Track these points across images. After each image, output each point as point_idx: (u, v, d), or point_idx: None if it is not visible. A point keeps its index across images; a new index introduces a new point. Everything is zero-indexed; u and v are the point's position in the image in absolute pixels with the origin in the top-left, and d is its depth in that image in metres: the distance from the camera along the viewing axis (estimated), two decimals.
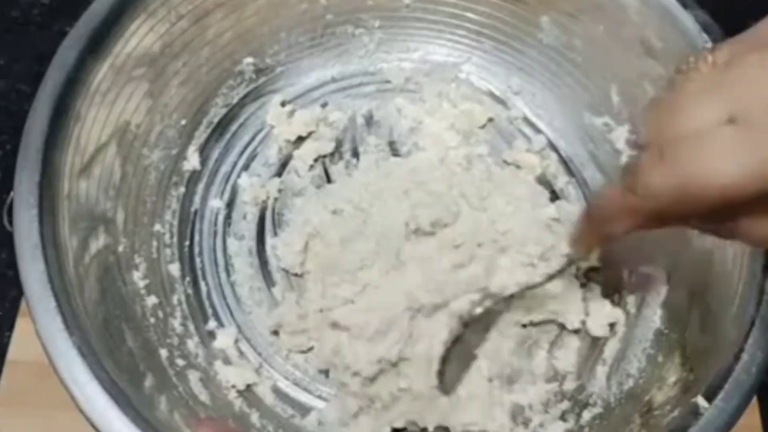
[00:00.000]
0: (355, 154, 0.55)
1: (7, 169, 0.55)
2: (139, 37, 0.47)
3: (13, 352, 0.50)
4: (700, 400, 0.36)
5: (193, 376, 0.45)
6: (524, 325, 0.48)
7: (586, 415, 0.44)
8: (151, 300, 0.46)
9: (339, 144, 0.55)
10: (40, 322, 0.37)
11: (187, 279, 0.49)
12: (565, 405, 0.46)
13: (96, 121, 0.44)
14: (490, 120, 0.56)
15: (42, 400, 0.46)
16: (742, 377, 0.37)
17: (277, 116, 0.55)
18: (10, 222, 0.50)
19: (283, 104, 0.56)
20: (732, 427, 0.36)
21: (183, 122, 0.52)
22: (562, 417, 0.45)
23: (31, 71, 0.61)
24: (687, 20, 0.46)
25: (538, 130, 0.56)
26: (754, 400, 0.50)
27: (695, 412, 0.36)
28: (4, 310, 0.53)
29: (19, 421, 0.46)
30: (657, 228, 0.32)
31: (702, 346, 0.41)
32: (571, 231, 0.39)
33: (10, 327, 0.51)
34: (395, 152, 0.55)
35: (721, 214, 0.28)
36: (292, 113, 0.55)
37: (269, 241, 0.52)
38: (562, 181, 0.54)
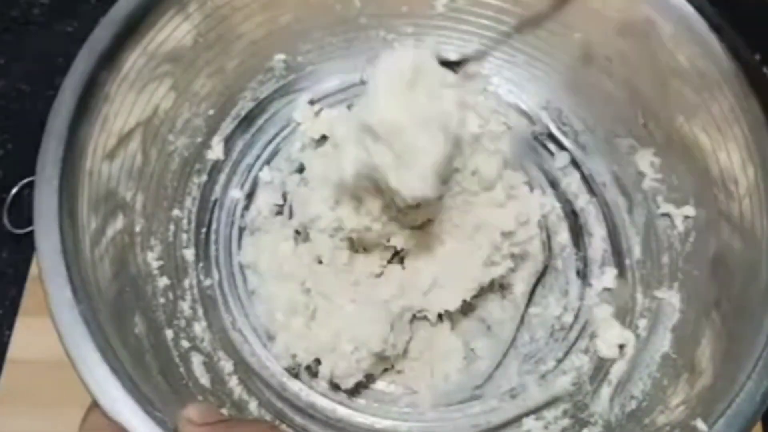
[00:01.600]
0: None
1: (7, 170, 0.57)
2: (173, 26, 0.48)
3: (13, 351, 0.50)
4: (699, 424, 0.36)
5: (197, 360, 0.45)
6: None
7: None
8: (163, 281, 0.47)
9: None
10: (51, 292, 0.38)
11: (201, 265, 0.50)
12: (566, 422, 0.45)
13: (124, 104, 0.45)
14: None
15: (42, 398, 0.47)
16: (745, 404, 0.36)
17: (304, 114, 0.56)
18: (10, 221, 0.52)
19: (311, 102, 0.56)
20: None
21: (210, 112, 0.52)
22: None
23: (31, 71, 0.61)
24: (717, 45, 0.45)
25: (562, 147, 0.56)
26: None
27: None
28: (4, 308, 0.54)
29: (19, 419, 0.47)
30: None
31: (709, 371, 0.40)
32: None
33: (10, 326, 0.52)
34: None
35: None
36: (318, 112, 0.56)
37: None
38: (583, 200, 0.54)
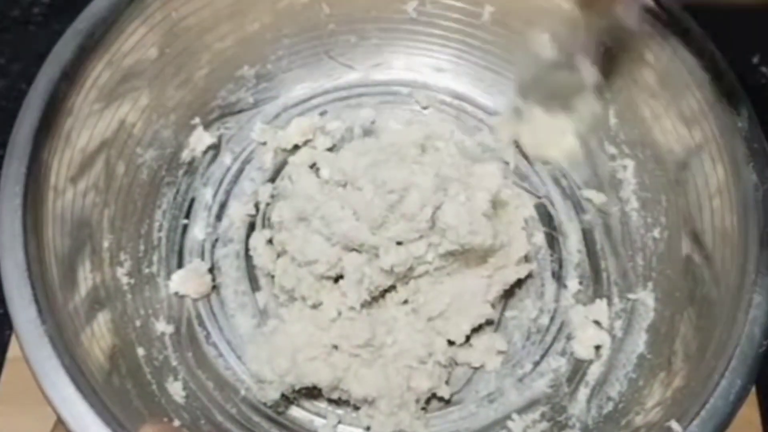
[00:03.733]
0: None
1: None
2: (137, 37, 0.47)
3: (13, 350, 0.50)
4: (674, 425, 0.36)
5: (170, 377, 0.44)
6: None
7: None
8: (134, 297, 0.46)
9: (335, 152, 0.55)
10: (15, 311, 0.37)
11: (172, 279, 0.49)
12: (545, 426, 0.45)
13: (89, 118, 0.45)
14: None
15: (42, 398, 0.46)
16: (719, 404, 0.36)
17: (262, 134, 0.55)
18: None
19: (267, 123, 0.55)
20: None
21: (179, 123, 0.52)
22: None
23: (31, 70, 0.59)
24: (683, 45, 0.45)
25: None
26: (753, 396, 0.49)
27: None
28: (4, 308, 0.53)
29: (20, 418, 0.46)
30: None
31: (684, 371, 0.40)
32: None
33: (11, 325, 0.50)
34: None
35: None
36: (287, 123, 0.55)
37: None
38: (557, 201, 0.54)
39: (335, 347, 0.45)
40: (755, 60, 0.55)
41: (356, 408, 0.46)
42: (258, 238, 0.51)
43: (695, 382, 0.38)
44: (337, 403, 0.47)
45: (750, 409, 0.49)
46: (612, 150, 0.52)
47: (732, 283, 0.40)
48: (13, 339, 0.50)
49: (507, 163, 0.54)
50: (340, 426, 0.46)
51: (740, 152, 0.42)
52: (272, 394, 0.45)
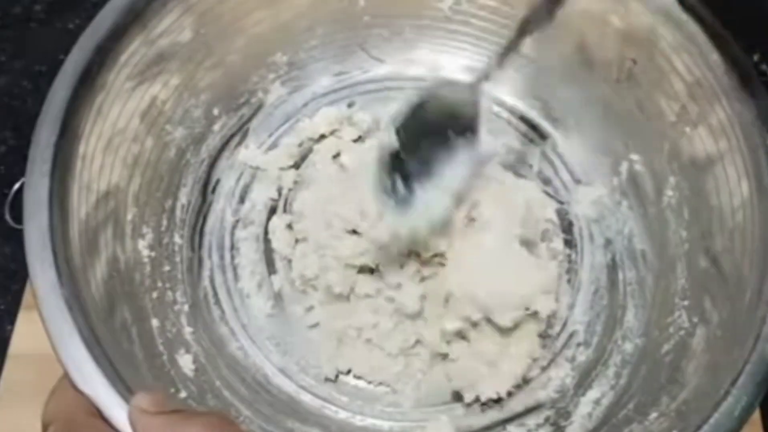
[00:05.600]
0: None
1: (9, 165, 0.57)
2: (173, 17, 0.48)
3: (15, 346, 0.50)
4: None
5: (181, 350, 0.45)
6: None
7: None
8: (153, 270, 0.47)
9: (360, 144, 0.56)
10: (35, 275, 0.38)
11: (192, 256, 0.50)
12: (548, 430, 0.45)
13: (122, 93, 0.46)
14: None
15: (44, 394, 0.46)
16: (723, 420, 0.35)
17: (251, 156, 0.55)
18: (12, 217, 0.52)
19: (265, 141, 0.56)
20: None
21: (210, 103, 0.53)
22: None
23: (32, 68, 0.61)
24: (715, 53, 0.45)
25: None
26: None
27: None
28: (6, 303, 0.54)
29: (21, 415, 0.44)
30: None
31: (692, 384, 0.39)
32: None
33: (12, 321, 0.52)
34: None
35: None
36: (315, 112, 0.56)
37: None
38: (576, 207, 0.53)
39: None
40: (755, 59, 0.54)
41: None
42: (277, 223, 0.51)
43: (701, 396, 0.38)
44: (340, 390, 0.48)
45: None
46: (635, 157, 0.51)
47: (747, 298, 0.39)
48: (14, 335, 0.51)
49: (531, 166, 0.54)
50: (359, 416, 0.47)
51: (765, 167, 0.41)
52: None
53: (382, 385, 0.48)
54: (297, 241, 0.51)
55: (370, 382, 0.48)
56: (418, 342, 0.47)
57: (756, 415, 0.48)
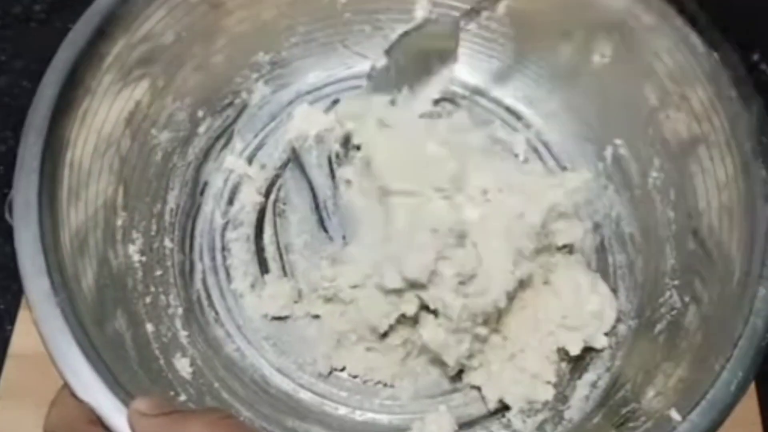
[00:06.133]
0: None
1: (9, 165, 0.56)
2: (155, 20, 0.48)
3: (15, 346, 0.50)
4: (673, 413, 0.36)
5: (178, 353, 0.45)
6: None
7: (565, 425, 0.44)
8: (144, 275, 0.47)
9: (346, 141, 0.55)
10: (28, 284, 0.38)
11: (183, 259, 0.50)
12: (546, 414, 0.45)
13: (106, 97, 0.45)
14: None
15: (45, 393, 0.45)
16: (720, 394, 0.36)
17: (234, 160, 0.54)
18: (12, 216, 0.52)
19: (241, 154, 0.55)
20: None
21: (194, 106, 0.53)
22: (541, 427, 0.44)
23: (32, 68, 0.61)
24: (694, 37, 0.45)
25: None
26: (754, 396, 0.50)
27: (668, 425, 0.36)
28: (6, 303, 0.54)
29: (22, 414, 0.46)
30: None
31: (687, 362, 0.40)
32: None
33: (12, 320, 0.51)
34: None
35: None
36: (251, 158, 0.55)
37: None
38: None
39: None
40: (755, 58, 0.55)
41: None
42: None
43: (697, 372, 0.38)
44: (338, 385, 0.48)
45: (750, 410, 0.49)
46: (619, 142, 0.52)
47: (737, 276, 0.40)
48: (14, 335, 0.50)
49: (516, 155, 0.54)
50: (359, 411, 0.47)
51: (749, 147, 0.42)
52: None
53: (379, 384, 0.48)
54: None
55: (365, 382, 0.48)
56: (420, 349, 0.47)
57: (756, 417, 0.49)
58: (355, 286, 0.47)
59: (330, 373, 0.48)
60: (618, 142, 0.52)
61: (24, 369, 0.49)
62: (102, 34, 0.45)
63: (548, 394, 0.45)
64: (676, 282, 0.45)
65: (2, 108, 0.61)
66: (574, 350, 0.45)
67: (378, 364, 0.48)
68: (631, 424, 0.39)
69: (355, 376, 0.48)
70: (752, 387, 0.50)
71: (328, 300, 0.48)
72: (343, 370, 0.48)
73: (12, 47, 0.62)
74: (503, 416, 0.46)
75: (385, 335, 0.47)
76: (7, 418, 0.47)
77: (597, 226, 0.52)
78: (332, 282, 0.47)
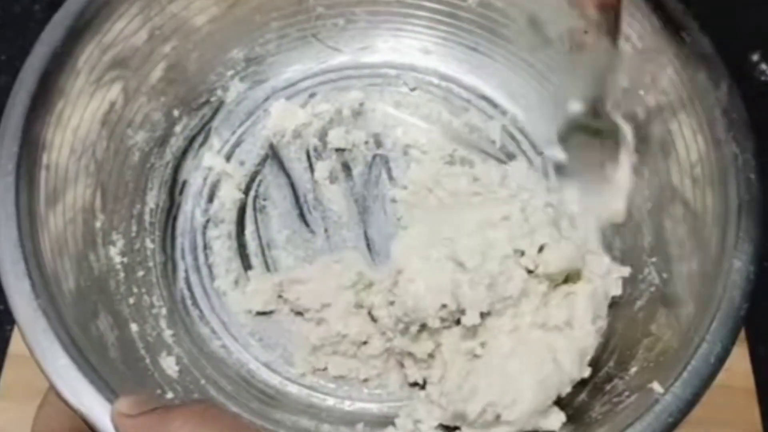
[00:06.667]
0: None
1: None
2: (127, 19, 0.48)
3: (15, 346, 0.50)
4: (656, 386, 0.37)
5: (163, 352, 0.45)
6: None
7: None
8: (126, 276, 0.47)
9: (324, 135, 0.56)
10: (9, 286, 0.38)
11: (165, 259, 0.50)
12: None
13: (81, 98, 0.45)
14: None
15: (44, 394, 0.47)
16: (700, 365, 0.37)
17: (212, 158, 0.54)
18: None
19: (219, 152, 0.55)
20: (687, 414, 0.36)
21: (169, 105, 0.52)
22: None
23: None
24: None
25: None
26: (753, 396, 0.51)
27: (651, 398, 0.36)
28: (5, 304, 0.53)
29: (21, 414, 0.45)
30: None
31: (667, 336, 0.41)
32: None
33: (12, 321, 0.50)
34: (379, 145, 0.56)
35: None
36: (229, 157, 0.55)
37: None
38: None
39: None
40: (755, 57, 0.55)
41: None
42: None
43: (678, 346, 0.39)
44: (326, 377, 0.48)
45: (750, 410, 0.51)
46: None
47: (713, 249, 0.41)
48: (14, 335, 0.50)
49: (494, 142, 0.55)
50: (347, 401, 0.47)
51: (720, 123, 0.42)
52: None
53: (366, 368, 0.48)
54: None
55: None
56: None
57: (756, 417, 0.51)
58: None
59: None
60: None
61: (24, 369, 0.48)
62: (73, 35, 0.44)
63: None
64: (653, 259, 0.46)
65: (2, 108, 0.60)
66: None
67: (360, 365, 0.48)
68: (615, 399, 0.39)
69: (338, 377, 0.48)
70: (752, 387, 0.52)
71: (297, 314, 0.49)
72: (324, 369, 0.48)
73: (11, 47, 0.62)
74: None
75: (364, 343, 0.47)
76: (7, 418, 0.47)
77: None
78: (297, 300, 0.48)
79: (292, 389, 0.48)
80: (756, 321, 0.52)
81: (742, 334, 0.53)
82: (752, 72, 0.59)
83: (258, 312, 0.49)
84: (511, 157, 0.55)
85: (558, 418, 0.41)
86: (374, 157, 0.55)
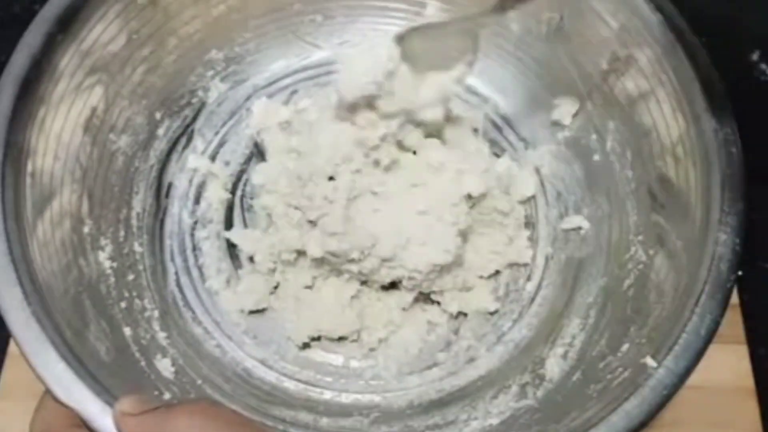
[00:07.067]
0: None
1: None
2: (105, 23, 0.47)
3: (14, 346, 0.48)
4: (649, 360, 0.37)
5: (158, 354, 0.45)
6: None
7: (546, 386, 0.44)
8: (117, 281, 0.47)
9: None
10: (2, 298, 0.37)
11: (155, 262, 0.50)
12: (527, 378, 0.46)
13: (61, 105, 0.45)
14: None
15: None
16: (691, 338, 0.37)
17: (197, 159, 0.54)
18: None
19: (204, 153, 0.55)
20: (680, 387, 0.36)
21: (151, 108, 0.52)
22: (522, 391, 0.45)
23: None
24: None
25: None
26: (754, 396, 0.51)
27: (644, 373, 0.37)
28: None
29: (21, 414, 0.44)
30: None
31: (657, 311, 0.41)
32: None
33: None
34: None
35: None
36: (214, 156, 0.55)
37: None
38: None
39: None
40: (755, 57, 0.56)
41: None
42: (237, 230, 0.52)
43: (668, 320, 0.39)
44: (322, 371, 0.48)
45: (750, 410, 0.51)
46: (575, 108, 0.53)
47: (698, 224, 0.41)
48: None
49: (476, 129, 0.55)
50: (344, 394, 0.48)
51: (698, 99, 0.43)
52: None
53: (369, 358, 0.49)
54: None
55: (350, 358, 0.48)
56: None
57: (756, 417, 0.51)
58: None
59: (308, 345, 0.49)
60: (574, 109, 0.53)
61: (24, 369, 0.47)
62: (51, 41, 0.44)
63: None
64: (640, 237, 0.46)
65: None
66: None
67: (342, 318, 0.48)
68: (609, 376, 0.40)
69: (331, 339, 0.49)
70: (752, 387, 0.52)
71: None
72: (319, 339, 0.49)
73: (12, 47, 0.61)
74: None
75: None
76: (7, 418, 0.47)
77: (559, 195, 0.53)
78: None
79: (289, 385, 0.48)
80: (756, 321, 0.54)
81: (743, 334, 0.54)
82: (752, 72, 0.59)
83: (251, 311, 0.49)
84: (494, 143, 0.55)
85: None
86: None
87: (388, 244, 0.45)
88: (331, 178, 0.46)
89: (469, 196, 0.46)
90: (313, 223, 0.46)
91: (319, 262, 0.47)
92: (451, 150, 0.48)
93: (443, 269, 0.46)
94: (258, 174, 0.53)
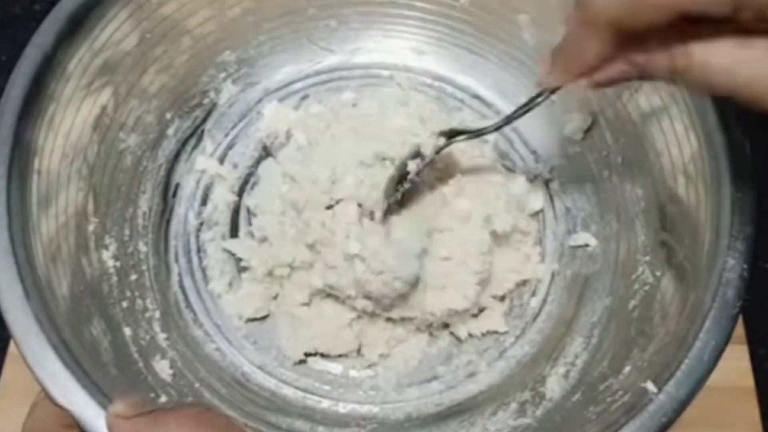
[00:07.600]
0: None
1: None
2: (117, 23, 0.47)
3: (14, 346, 0.49)
4: (649, 386, 0.36)
5: (157, 355, 0.45)
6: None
7: (545, 405, 0.44)
8: (120, 280, 0.47)
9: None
10: (1, 293, 0.37)
11: (158, 262, 0.50)
12: (527, 395, 0.45)
13: (72, 103, 0.45)
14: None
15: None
16: (694, 364, 0.37)
17: (205, 161, 0.54)
18: None
19: (212, 155, 0.55)
20: (680, 414, 0.36)
21: (161, 108, 0.52)
22: (522, 409, 0.45)
23: None
24: None
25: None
26: (754, 396, 0.51)
27: (645, 397, 0.36)
28: None
29: (21, 415, 0.44)
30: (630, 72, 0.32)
31: (660, 335, 0.41)
32: (542, 68, 0.38)
33: None
34: None
35: (676, 33, 0.28)
36: (223, 158, 0.55)
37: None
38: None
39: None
40: None
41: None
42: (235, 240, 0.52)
43: (672, 344, 0.39)
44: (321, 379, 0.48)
45: (750, 410, 0.51)
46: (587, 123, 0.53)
47: (706, 247, 0.40)
48: None
49: (487, 141, 0.55)
50: (342, 403, 0.48)
51: (711, 120, 0.42)
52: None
53: (368, 368, 0.48)
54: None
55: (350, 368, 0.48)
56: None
57: (756, 417, 0.51)
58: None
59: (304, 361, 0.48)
60: (586, 124, 0.52)
61: (24, 369, 0.48)
62: (63, 40, 0.44)
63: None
64: (647, 257, 0.45)
65: None
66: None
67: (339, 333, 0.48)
68: (609, 399, 0.39)
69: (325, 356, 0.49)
70: (752, 387, 0.52)
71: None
72: (315, 354, 0.48)
73: (11, 47, 0.62)
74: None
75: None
76: (7, 419, 0.47)
77: (568, 210, 0.53)
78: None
79: (287, 392, 0.48)
80: (756, 321, 0.53)
81: (743, 334, 0.53)
82: None
83: (250, 318, 0.49)
84: (504, 156, 0.55)
85: None
86: None
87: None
88: (329, 207, 0.47)
89: (495, 234, 0.47)
90: (311, 246, 0.47)
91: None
92: (477, 195, 0.48)
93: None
94: (252, 198, 0.53)
